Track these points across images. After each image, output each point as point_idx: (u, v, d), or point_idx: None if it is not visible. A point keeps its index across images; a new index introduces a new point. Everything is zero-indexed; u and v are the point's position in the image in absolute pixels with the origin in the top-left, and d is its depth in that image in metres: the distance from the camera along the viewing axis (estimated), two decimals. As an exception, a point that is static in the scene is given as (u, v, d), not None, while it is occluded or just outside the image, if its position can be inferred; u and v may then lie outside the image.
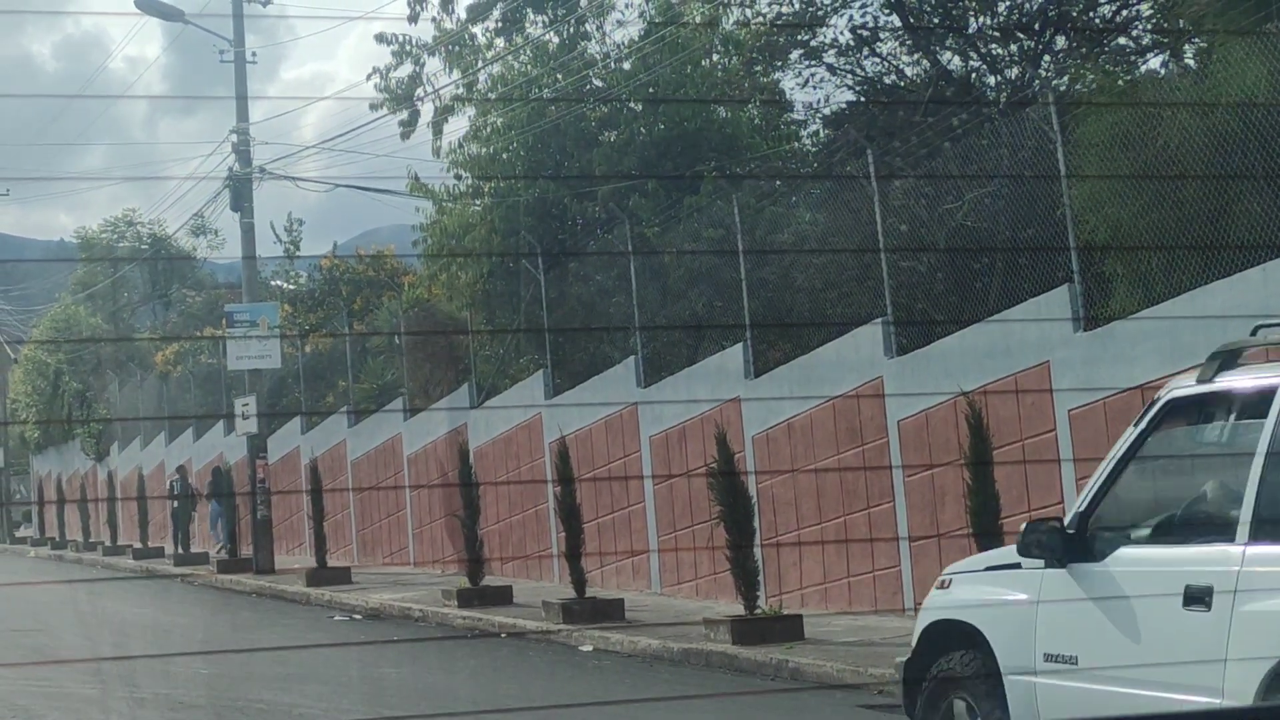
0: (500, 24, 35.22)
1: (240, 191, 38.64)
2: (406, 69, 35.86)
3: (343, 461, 40.78)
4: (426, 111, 35.98)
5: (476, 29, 35.45)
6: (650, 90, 32.83)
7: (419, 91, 35.91)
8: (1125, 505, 9.55)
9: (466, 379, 35.00)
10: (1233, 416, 8.95)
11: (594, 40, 34.71)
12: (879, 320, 22.59)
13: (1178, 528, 9.15)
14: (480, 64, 35.36)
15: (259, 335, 38.09)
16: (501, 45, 35.38)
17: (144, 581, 38.74)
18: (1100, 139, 19.31)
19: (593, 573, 26.31)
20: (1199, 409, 9.24)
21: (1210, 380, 9.04)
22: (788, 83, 33.39)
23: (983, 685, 9.90)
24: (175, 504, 46.08)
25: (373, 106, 36.08)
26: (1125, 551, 9.20)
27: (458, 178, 34.60)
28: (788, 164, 32.71)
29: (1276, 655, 7.88)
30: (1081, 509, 9.59)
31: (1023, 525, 9.91)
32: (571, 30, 34.34)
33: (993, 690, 9.83)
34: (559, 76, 33.74)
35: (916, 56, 31.59)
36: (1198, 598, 8.45)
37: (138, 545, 48.41)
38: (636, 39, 33.68)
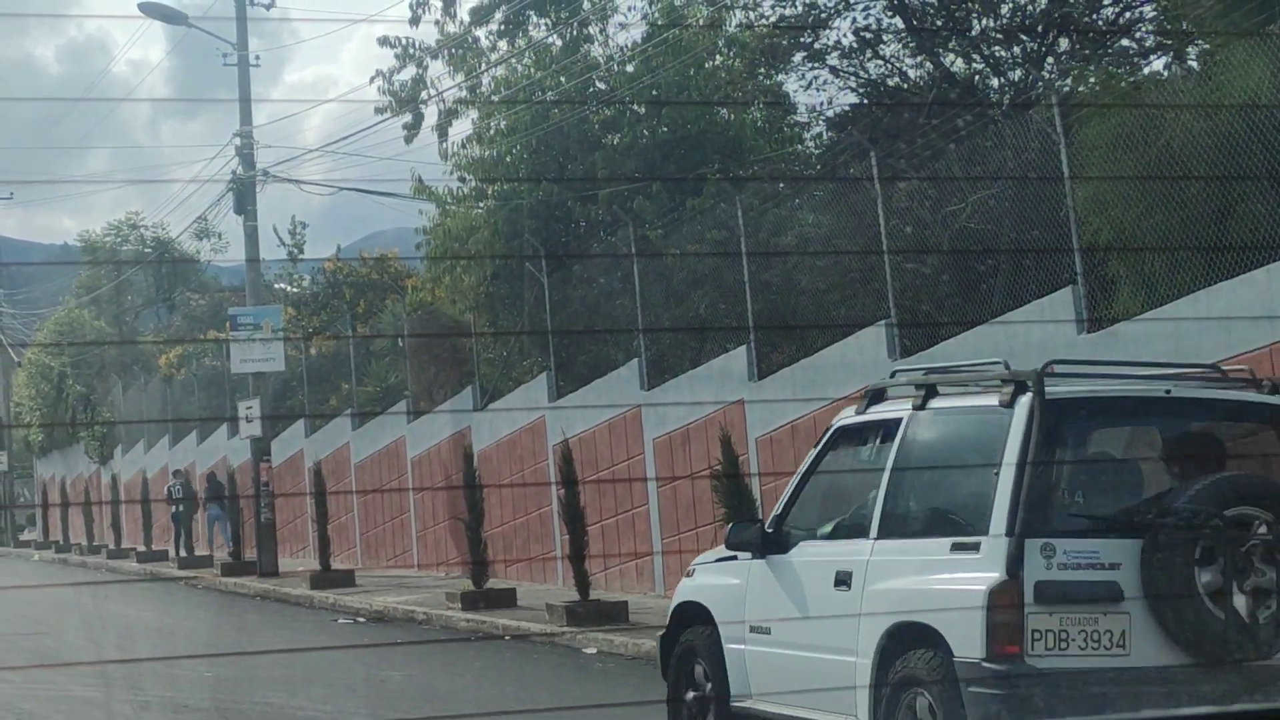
0: (503, 27, 35.22)
1: (244, 195, 38.66)
2: (410, 72, 35.87)
3: (346, 464, 40.79)
4: (430, 115, 35.99)
5: (480, 32, 35.46)
6: (653, 93, 32.83)
7: (422, 95, 35.91)
8: (808, 510, 12.18)
9: (470, 381, 35.00)
10: (876, 441, 11.61)
11: (597, 43, 34.73)
12: (883, 322, 22.59)
13: (841, 528, 11.74)
14: (484, 67, 35.36)
15: (263, 338, 38.10)
16: (505, 48, 35.38)
17: (148, 584, 38.77)
18: (1103, 141, 19.30)
19: (596, 575, 26.30)
20: (857, 435, 12.02)
21: (864, 412, 11.86)
22: (791, 85, 33.39)
23: (711, 653, 12.39)
24: (177, 508, 46.16)
25: (377, 110, 36.10)
26: (804, 546, 11.87)
27: (461, 180, 34.63)
28: (791, 166, 32.70)
29: (890, 621, 10.48)
30: (777, 513, 12.40)
31: (729, 526, 13.26)
32: (574, 33, 34.34)
33: (718, 656, 12.31)
34: (562, 79, 33.75)
35: (920, 59, 31.58)
36: (843, 580, 11.17)
37: (142, 548, 48.44)
38: (639, 41, 33.69)
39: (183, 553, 45.21)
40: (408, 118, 35.89)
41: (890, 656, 10.50)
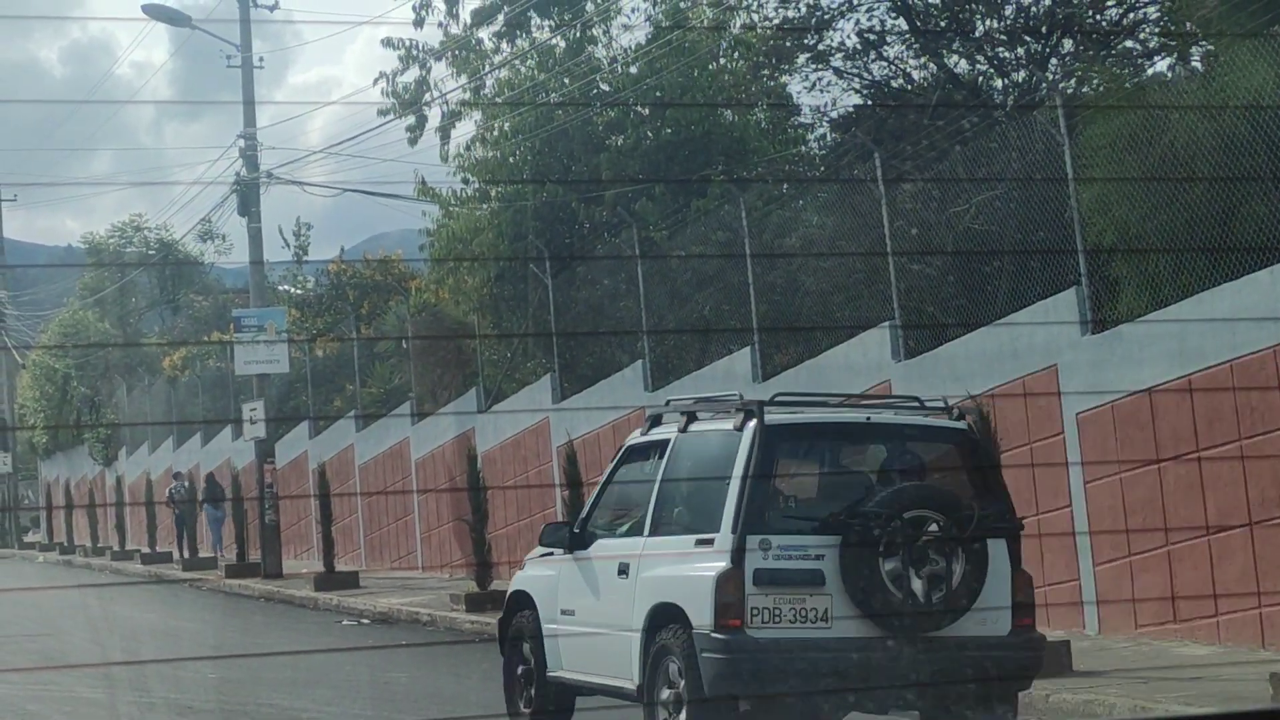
0: (506, 28, 35.22)
1: (247, 197, 38.68)
2: (413, 74, 35.86)
3: (350, 466, 40.80)
4: (434, 116, 36.00)
5: (483, 33, 35.46)
6: (657, 94, 32.82)
7: (426, 96, 35.90)
8: (606, 514, 14.50)
9: (474, 383, 35.01)
10: (655, 457, 13.90)
11: (600, 44, 34.73)
12: (887, 323, 22.58)
13: (631, 527, 13.96)
14: (487, 69, 35.36)
15: (266, 340, 38.11)
16: (508, 50, 35.38)
17: (152, 586, 38.78)
18: (1107, 142, 19.30)
19: (601, 577, 26.28)
20: (641, 452, 14.38)
21: (646, 434, 14.32)
22: (795, 86, 33.41)
23: (533, 633, 14.57)
24: (179, 510, 46.27)
25: (380, 112, 36.11)
26: (600, 543, 14.02)
27: (465, 182, 34.62)
28: (795, 168, 32.70)
29: (652, 602, 12.95)
30: (582, 515, 14.71)
31: (543, 526, 15.82)
32: (578, 34, 34.34)
33: (538, 635, 14.51)
34: (566, 81, 33.75)
35: (923, 60, 31.58)
36: (624, 570, 13.51)
37: (146, 550, 48.43)
38: (643, 43, 33.69)
39: (186, 554, 45.25)
40: (411, 120, 35.89)
41: (653, 630, 12.92)
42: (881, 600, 12.46)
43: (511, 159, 33.57)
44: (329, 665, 20.77)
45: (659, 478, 13.65)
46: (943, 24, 30.78)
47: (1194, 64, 25.79)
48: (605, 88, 34.14)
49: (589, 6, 34.68)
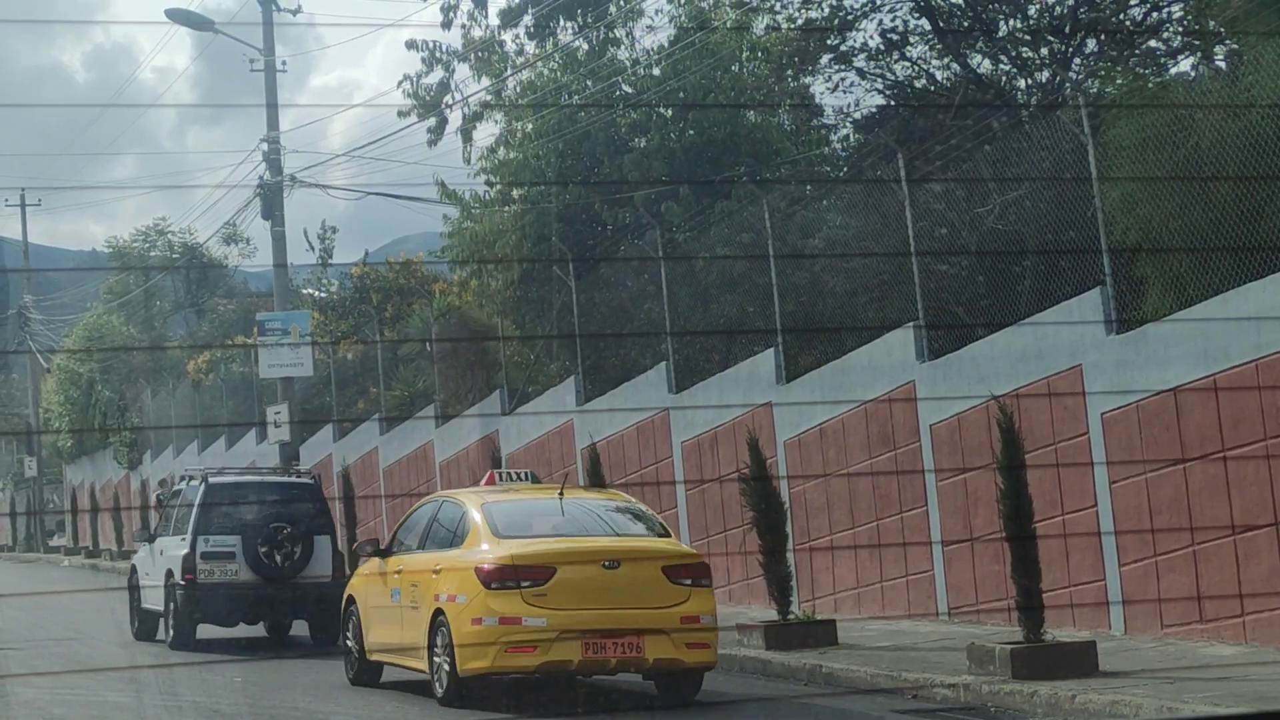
0: (530, 30, 35.26)
1: (271, 200, 38.74)
2: (437, 75, 35.92)
3: (375, 469, 40.86)
4: (456, 118, 36.04)
5: (506, 36, 35.51)
6: (680, 95, 32.83)
7: (448, 98, 35.95)
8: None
9: (498, 385, 35.04)
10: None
11: (624, 46, 34.75)
12: (910, 324, 22.56)
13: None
14: (510, 70, 35.40)
15: (291, 343, 38.18)
16: (532, 51, 35.42)
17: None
18: (1131, 141, 19.27)
19: (626, 579, 26.27)
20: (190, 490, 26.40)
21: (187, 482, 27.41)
22: (818, 87, 33.39)
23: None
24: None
25: (401, 114, 36.17)
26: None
27: (489, 184, 34.65)
28: (818, 168, 32.69)
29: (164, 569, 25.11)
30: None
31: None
32: (601, 36, 34.37)
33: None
34: (589, 82, 33.77)
35: (946, 60, 31.55)
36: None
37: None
38: (666, 45, 33.70)
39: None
40: (433, 122, 35.93)
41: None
42: (261, 565, 24.81)
43: (535, 161, 33.59)
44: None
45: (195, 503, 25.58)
46: (966, 24, 30.74)
47: (1218, 63, 25.73)
48: (628, 90, 34.14)
49: (612, 9, 34.71)
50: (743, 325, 28.41)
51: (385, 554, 18.57)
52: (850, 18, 31.42)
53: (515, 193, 34.13)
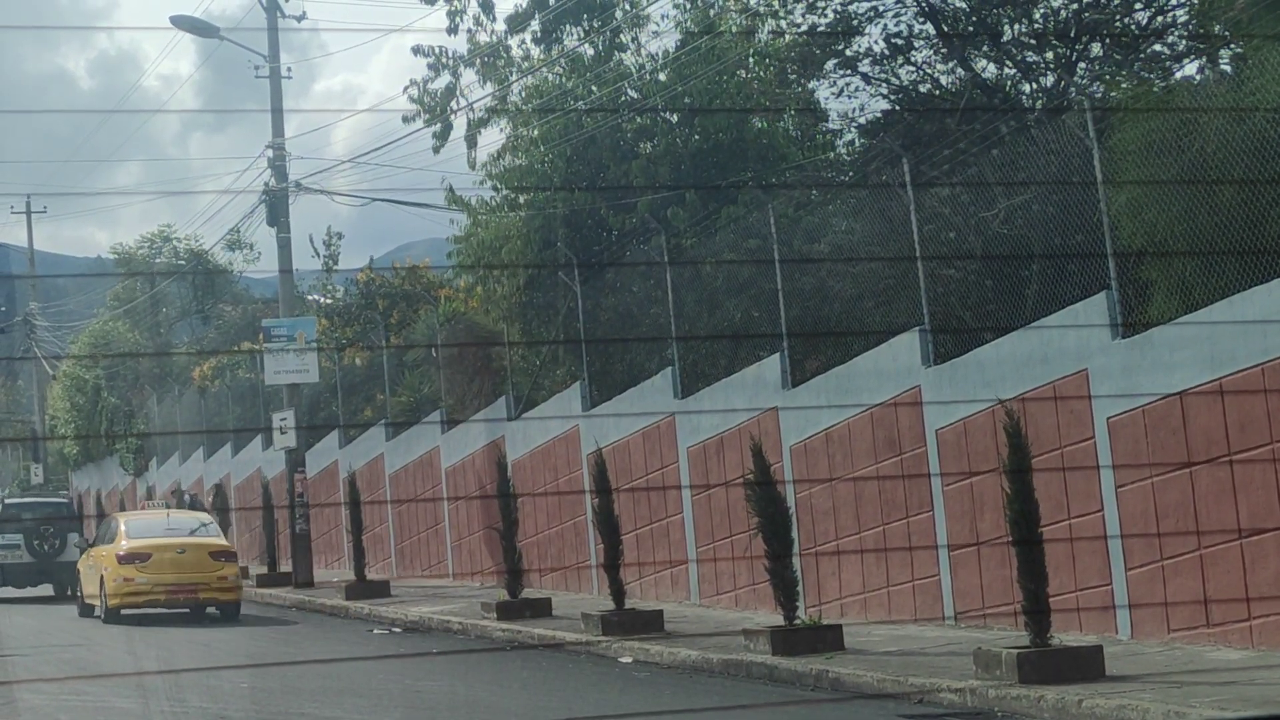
0: (535, 35, 35.27)
1: (276, 206, 38.77)
2: (443, 81, 35.91)
3: (381, 475, 40.88)
4: (461, 124, 36.04)
5: (512, 41, 35.52)
6: (686, 101, 32.82)
7: (454, 104, 35.95)
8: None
9: (504, 391, 35.05)
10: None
11: (630, 51, 34.75)
12: (916, 329, 22.55)
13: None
14: (515, 76, 35.41)
15: (296, 349, 38.20)
16: (537, 57, 35.42)
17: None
18: (1137, 146, 19.26)
19: (631, 584, 26.32)
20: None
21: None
22: (823, 92, 33.39)
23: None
24: None
25: (406, 119, 36.18)
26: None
27: (495, 190, 34.65)
28: (824, 173, 32.67)
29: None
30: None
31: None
32: (607, 41, 34.37)
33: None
34: (594, 88, 33.78)
35: (951, 65, 31.53)
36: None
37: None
38: (672, 50, 33.71)
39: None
40: (439, 127, 35.93)
41: None
42: (35, 551, 39.36)
43: (540, 166, 33.60)
44: (361, 674, 20.78)
45: None
46: (970, 29, 30.74)
47: (1223, 66, 25.72)
48: (634, 95, 34.15)
49: (618, 14, 34.72)
50: (749, 330, 28.40)
51: (92, 545, 33.48)
52: (855, 23, 31.41)
53: (521, 198, 34.12)
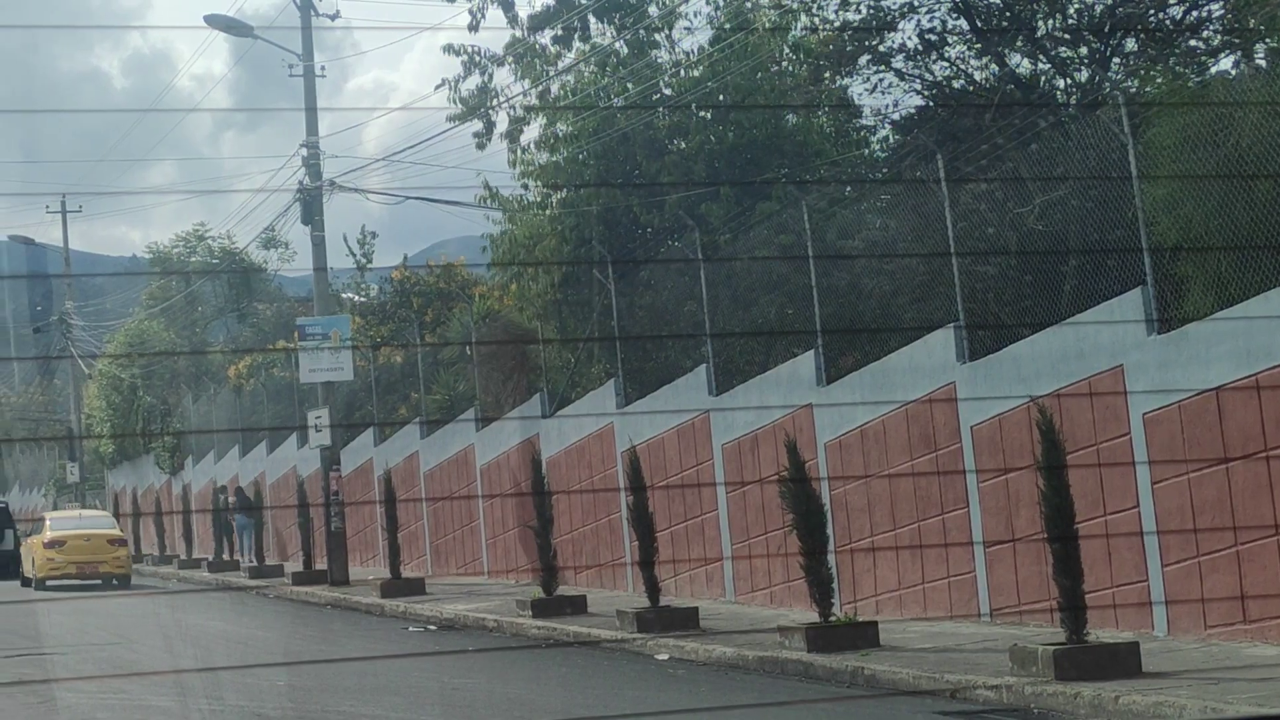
0: (567, 33, 35.27)
1: (310, 205, 38.84)
2: (475, 79, 35.94)
3: (416, 473, 40.93)
4: (500, 122, 36.05)
5: (545, 38, 35.52)
6: (720, 97, 32.81)
7: (491, 101, 35.96)
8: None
9: (538, 389, 35.08)
10: None
11: (663, 48, 34.75)
12: (951, 325, 22.52)
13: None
14: (550, 73, 35.42)
15: (331, 348, 38.28)
16: (572, 54, 35.43)
17: (219, 594, 38.98)
18: (1172, 141, 19.21)
19: (666, 581, 26.31)
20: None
21: None
22: (856, 88, 33.36)
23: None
24: (237, 519, 47.22)
25: (450, 118, 36.19)
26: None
27: (525, 187, 34.68)
28: (858, 169, 32.65)
29: None
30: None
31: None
32: (641, 38, 34.36)
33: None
34: (628, 85, 33.78)
35: (985, 60, 31.48)
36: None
37: (212, 558, 48.84)
38: (705, 46, 33.70)
39: (253, 562, 45.66)
40: (478, 125, 35.94)
41: None
42: None
43: (574, 164, 33.61)
44: (397, 671, 20.82)
45: None
46: (1004, 24, 30.67)
47: (1259, 61, 25.63)
48: (667, 92, 34.15)
49: (651, 10, 34.72)
50: (783, 327, 28.38)
51: (28, 536, 43.67)
52: (888, 18, 31.37)
53: (555, 196, 34.15)
